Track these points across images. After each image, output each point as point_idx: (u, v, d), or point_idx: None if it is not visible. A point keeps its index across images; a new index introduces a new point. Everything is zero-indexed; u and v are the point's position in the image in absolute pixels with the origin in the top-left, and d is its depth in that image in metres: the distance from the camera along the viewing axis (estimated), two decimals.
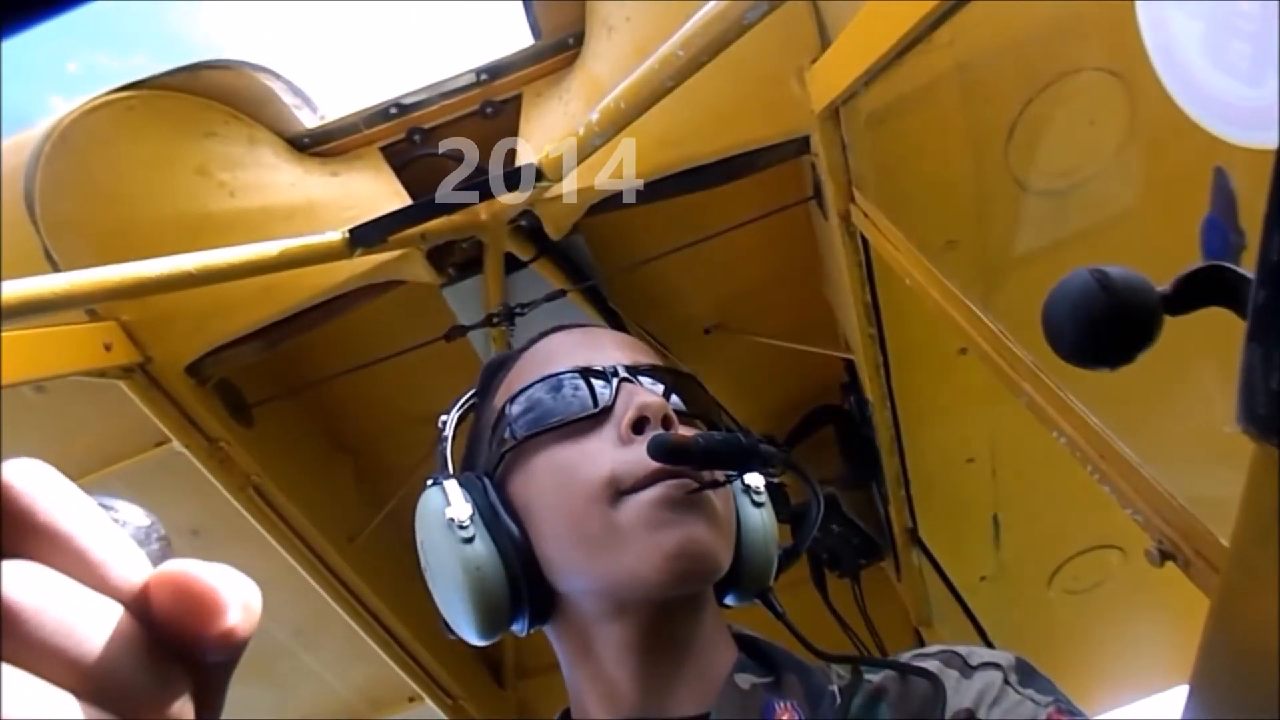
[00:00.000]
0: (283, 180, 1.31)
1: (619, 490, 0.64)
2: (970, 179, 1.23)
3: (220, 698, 0.29)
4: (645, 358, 0.75)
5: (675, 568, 0.63)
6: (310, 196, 1.32)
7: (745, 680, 0.68)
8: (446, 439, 0.75)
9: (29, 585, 0.23)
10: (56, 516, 0.25)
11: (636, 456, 0.64)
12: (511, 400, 0.72)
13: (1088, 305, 0.49)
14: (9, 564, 0.23)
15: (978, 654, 0.66)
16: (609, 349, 0.74)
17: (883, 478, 1.66)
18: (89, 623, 0.24)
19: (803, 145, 1.26)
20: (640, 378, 0.70)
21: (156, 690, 0.26)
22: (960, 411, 1.55)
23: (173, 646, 0.26)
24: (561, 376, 0.70)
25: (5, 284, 1.00)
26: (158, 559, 0.27)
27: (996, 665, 0.65)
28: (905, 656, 0.68)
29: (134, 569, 0.26)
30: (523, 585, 0.67)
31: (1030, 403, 1.07)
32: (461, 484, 0.70)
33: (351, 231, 1.16)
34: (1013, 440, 1.57)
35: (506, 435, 0.71)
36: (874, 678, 0.68)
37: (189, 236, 1.22)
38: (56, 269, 1.17)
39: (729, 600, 0.76)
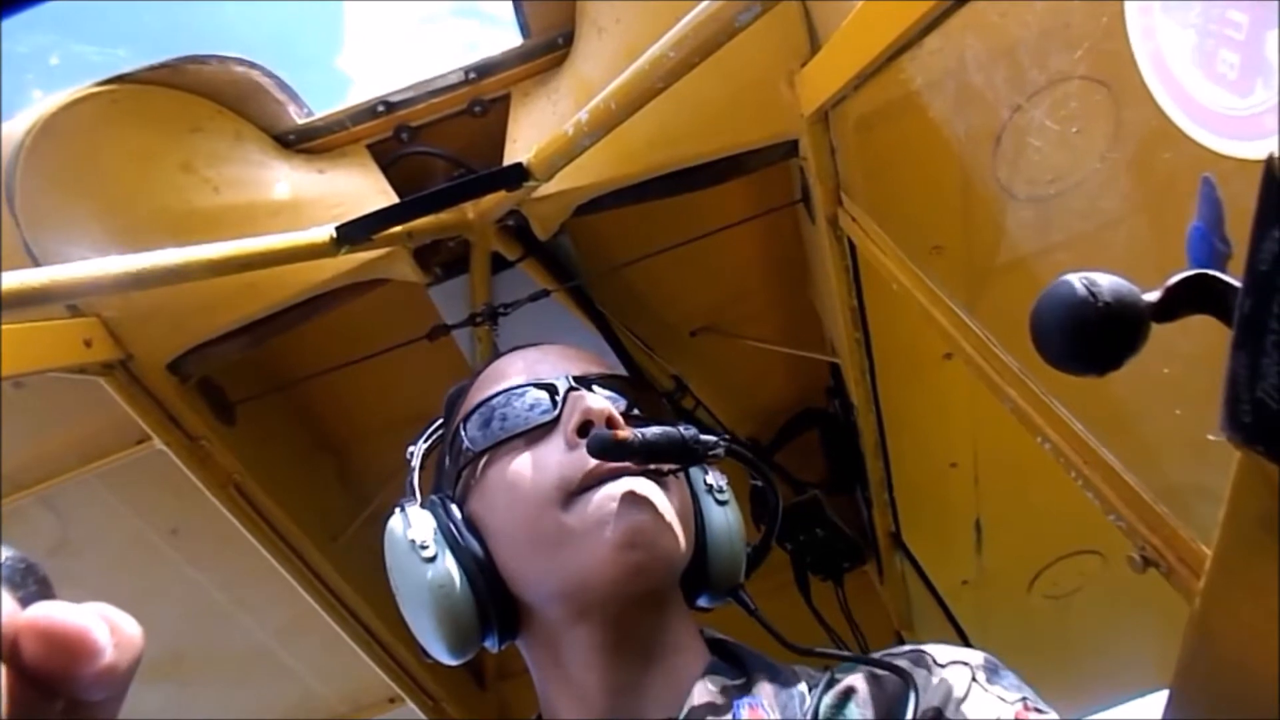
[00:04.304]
0: (268, 177, 1.30)
1: (568, 492, 0.66)
2: (957, 184, 1.24)
3: None
4: (596, 368, 0.77)
5: (626, 558, 0.64)
6: (296, 193, 1.30)
7: (716, 682, 0.69)
8: (414, 469, 0.76)
9: None
10: None
11: (582, 458, 0.67)
12: (466, 419, 0.74)
13: (1076, 311, 0.49)
14: None
15: (945, 652, 0.67)
16: (559, 362, 0.77)
17: (866, 481, 1.67)
18: None
19: (791, 149, 1.26)
20: (589, 386, 0.73)
21: None
22: (944, 416, 1.56)
23: (45, 690, 0.26)
24: (511, 391, 0.73)
25: None
26: (35, 599, 0.27)
27: (964, 663, 0.65)
28: (876, 657, 0.69)
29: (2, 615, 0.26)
30: (488, 600, 0.69)
31: (1014, 408, 1.07)
32: (425, 506, 0.72)
33: (338, 229, 1.15)
34: (995, 445, 1.58)
35: (464, 450, 0.73)
36: (844, 677, 0.68)
37: (173, 232, 1.21)
38: (35, 264, 1.15)
39: (702, 602, 0.76)
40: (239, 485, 1.42)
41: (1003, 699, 0.62)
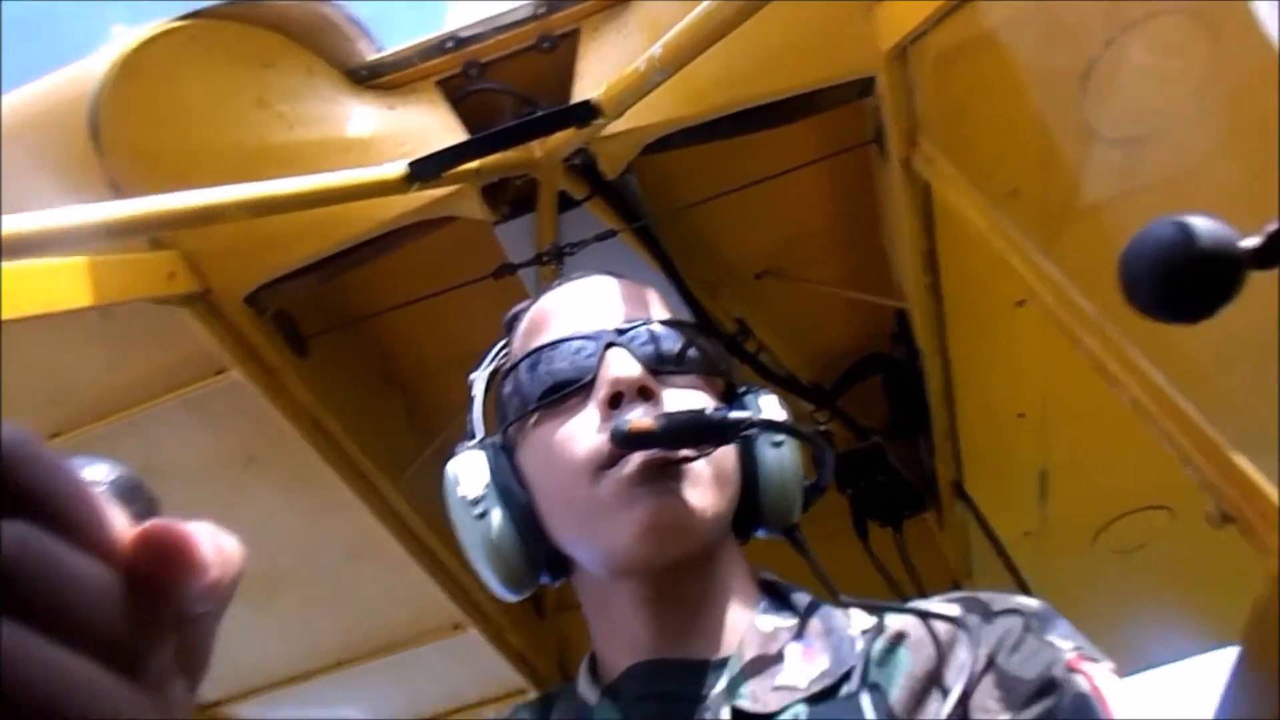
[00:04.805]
0: (340, 113, 1.31)
1: (597, 466, 0.67)
2: (1039, 124, 1.19)
3: (208, 646, 0.31)
4: (644, 312, 0.76)
5: (649, 542, 0.65)
6: (366, 130, 1.32)
7: (767, 623, 0.70)
8: (474, 399, 0.78)
9: (24, 543, 0.24)
10: (43, 480, 0.26)
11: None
12: (510, 371, 0.75)
13: (1170, 255, 0.47)
14: (4, 523, 0.24)
15: (1000, 600, 0.67)
16: (607, 306, 0.76)
17: (930, 429, 1.65)
18: (79, 578, 0.26)
19: (866, 86, 1.23)
20: (632, 338, 0.71)
21: (144, 641, 0.27)
22: (1013, 365, 1.53)
23: (156, 599, 0.27)
24: (553, 346, 0.73)
25: (71, 210, 1.02)
26: (143, 517, 0.29)
27: (1018, 611, 0.65)
28: (928, 604, 0.69)
29: (116, 529, 0.28)
30: (536, 548, 0.71)
31: (1090, 356, 1.05)
32: (481, 448, 0.74)
33: (410, 165, 1.16)
34: (1066, 395, 1.55)
35: (513, 402, 0.75)
36: (896, 622, 0.68)
37: (247, 167, 1.23)
38: (119, 197, 1.19)
39: (759, 534, 0.76)
40: (312, 416, 1.46)
41: (1056, 647, 0.61)
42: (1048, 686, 0.59)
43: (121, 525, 0.28)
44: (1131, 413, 1.04)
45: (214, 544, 0.28)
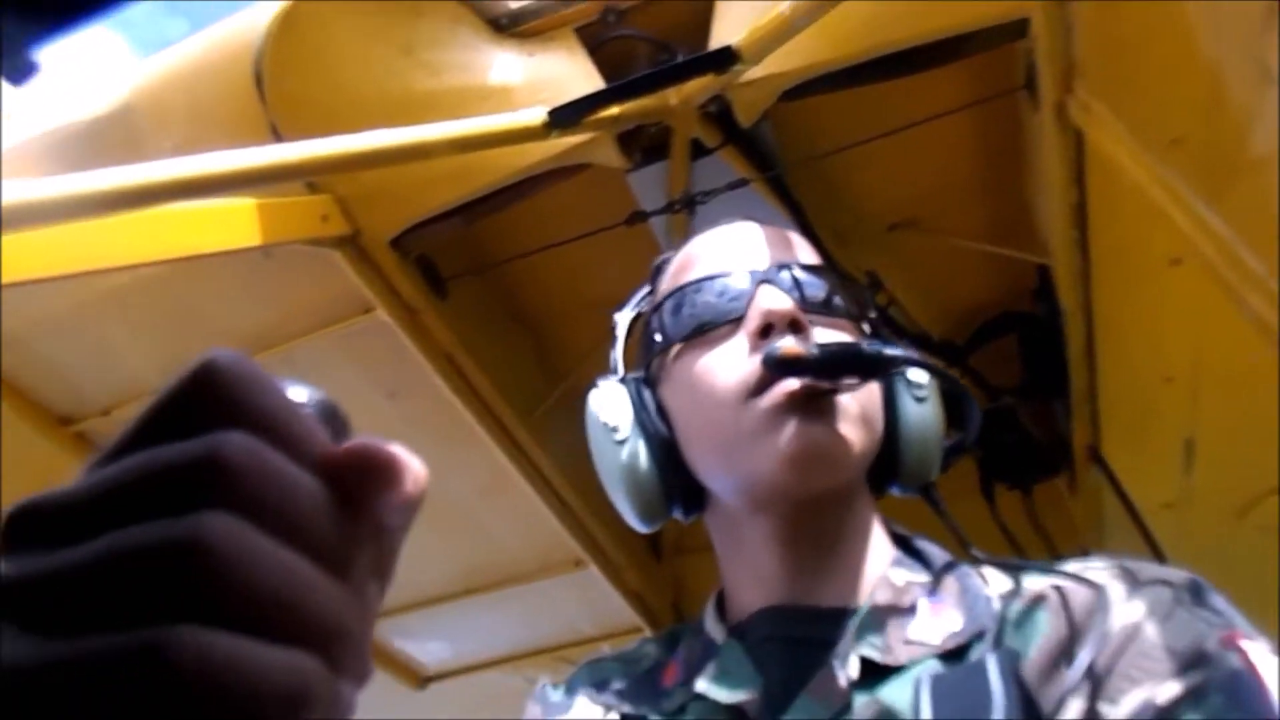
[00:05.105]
0: (481, 61, 1.35)
1: (746, 394, 0.67)
2: (1210, 66, 1.11)
3: (394, 560, 0.34)
4: (791, 256, 0.76)
5: (795, 469, 0.65)
6: (506, 78, 1.35)
7: (900, 576, 0.70)
8: (618, 338, 0.79)
9: (242, 450, 0.27)
10: (262, 398, 0.28)
11: (760, 364, 0.67)
12: (658, 306, 0.76)
13: None
14: (224, 434, 0.27)
15: (1148, 570, 0.64)
16: (756, 249, 0.76)
17: (1068, 391, 1.59)
18: (296, 485, 0.28)
19: (1019, 29, 1.17)
20: (780, 280, 0.71)
21: (349, 546, 0.29)
22: (1163, 326, 1.44)
23: (360, 510, 0.30)
24: (701, 283, 0.74)
25: (237, 153, 1.08)
26: (339, 437, 0.31)
27: (1168, 583, 0.62)
28: (1070, 568, 0.66)
29: (322, 444, 0.30)
30: (673, 481, 0.73)
31: (1255, 317, 0.99)
32: (623, 383, 0.76)
33: (550, 112, 1.18)
34: (1219, 360, 1.46)
35: (656, 339, 0.76)
36: (1034, 584, 0.66)
37: (394, 114, 1.27)
38: (279, 141, 1.26)
39: (893, 491, 0.76)
40: (449, 355, 1.53)
41: (1209, 622, 0.58)
42: (1198, 660, 0.56)
43: (326, 440, 0.30)
44: None
45: (410, 462, 0.31)
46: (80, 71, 1.43)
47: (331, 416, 0.34)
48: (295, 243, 1.35)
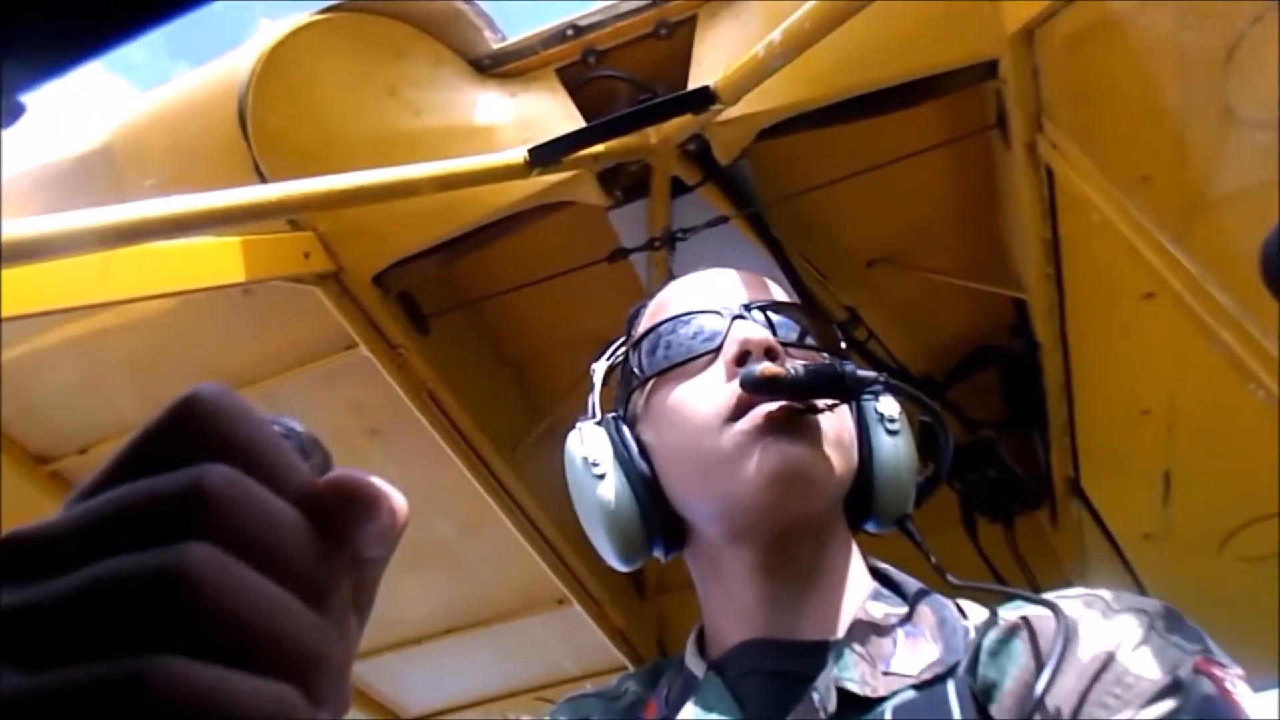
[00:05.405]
0: (465, 101, 1.37)
1: (724, 419, 0.68)
2: (1174, 108, 1.14)
3: (374, 592, 0.34)
4: (767, 295, 0.78)
5: (775, 488, 0.66)
6: (489, 117, 1.36)
7: (878, 609, 0.70)
8: (594, 386, 0.80)
9: (224, 482, 0.27)
10: (245, 431, 0.29)
11: (738, 388, 0.68)
12: (636, 344, 0.78)
13: None
14: (207, 466, 0.27)
15: (1122, 598, 0.64)
16: (730, 289, 0.78)
17: (1046, 424, 1.60)
18: (276, 516, 0.28)
19: (989, 70, 1.20)
20: (754, 314, 0.73)
21: (329, 577, 0.30)
22: (1139, 359, 1.46)
23: (339, 541, 0.30)
24: (679, 319, 0.75)
25: (221, 193, 1.09)
26: (320, 470, 0.32)
27: (1142, 610, 0.62)
28: (1045, 597, 0.66)
29: (303, 476, 0.30)
30: (653, 517, 0.73)
31: (1226, 350, 1.01)
32: (601, 424, 0.77)
33: (531, 151, 1.20)
34: (1194, 392, 1.48)
35: (634, 374, 0.77)
36: (1010, 614, 0.67)
37: (378, 153, 1.29)
38: (264, 181, 1.27)
39: (869, 527, 0.76)
40: (431, 392, 1.53)
41: (1181, 648, 0.58)
42: (1172, 687, 0.56)
43: (308, 472, 0.31)
44: (1267, 411, 0.99)
45: (390, 494, 0.31)
46: (79, 115, 1.45)
47: (313, 449, 0.34)
48: (278, 279, 1.35)
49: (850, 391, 0.68)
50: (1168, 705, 0.55)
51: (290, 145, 1.29)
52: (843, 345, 0.79)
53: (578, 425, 0.78)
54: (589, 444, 0.76)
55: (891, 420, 0.75)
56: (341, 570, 0.31)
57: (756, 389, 0.67)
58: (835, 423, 0.70)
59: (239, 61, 1.28)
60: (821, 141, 1.36)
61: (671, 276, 1.26)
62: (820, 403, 0.68)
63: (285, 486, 0.29)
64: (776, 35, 1.04)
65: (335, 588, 0.30)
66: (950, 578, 0.71)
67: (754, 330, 0.71)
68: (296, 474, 0.30)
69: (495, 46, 1.38)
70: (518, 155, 1.21)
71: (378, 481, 0.31)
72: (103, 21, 0.28)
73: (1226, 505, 1.72)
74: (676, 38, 1.33)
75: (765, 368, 0.67)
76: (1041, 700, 0.58)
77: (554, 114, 1.33)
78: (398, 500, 0.31)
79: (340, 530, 0.30)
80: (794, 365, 0.68)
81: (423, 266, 1.44)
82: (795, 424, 0.67)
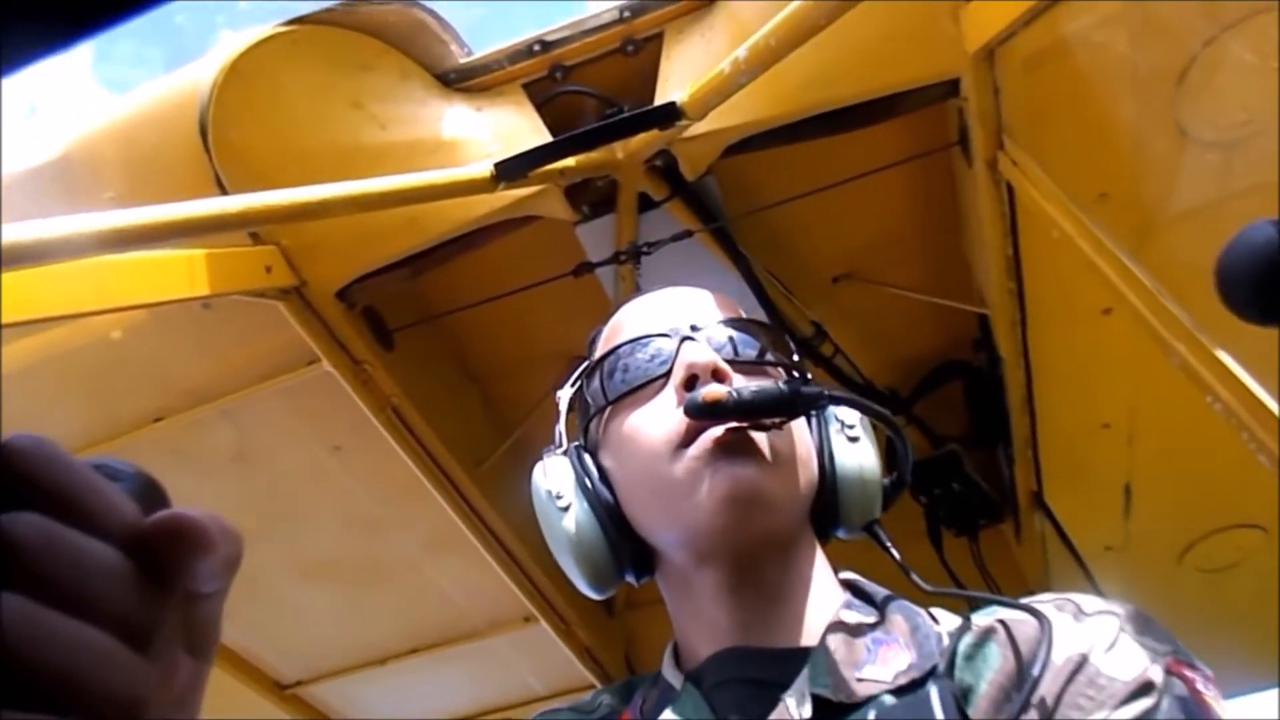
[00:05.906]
0: (430, 115, 1.36)
1: (675, 446, 0.69)
2: (1130, 127, 1.17)
3: (215, 628, 0.34)
4: (723, 312, 0.78)
5: (728, 514, 0.66)
6: (455, 131, 1.36)
7: (850, 618, 0.70)
8: (560, 414, 0.81)
9: (32, 530, 0.28)
10: (58, 477, 0.29)
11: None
12: (593, 370, 0.78)
13: (1269, 256, 0.47)
14: (14, 514, 0.27)
15: (1093, 603, 0.65)
16: (684, 308, 0.78)
17: (1010, 438, 1.62)
18: (90, 559, 0.29)
19: (951, 88, 1.22)
20: (705, 333, 0.74)
21: (152, 616, 0.30)
22: (1099, 374, 1.49)
23: (168, 579, 0.31)
24: (634, 342, 0.76)
25: (181, 205, 1.07)
26: (154, 510, 0.32)
27: (1113, 613, 0.63)
28: (1019, 601, 0.67)
29: (125, 516, 0.31)
30: (620, 544, 0.73)
31: (1183, 364, 1.02)
32: (565, 454, 0.77)
33: (497, 165, 1.19)
34: (1153, 406, 1.50)
35: (590, 404, 0.78)
36: (984, 620, 0.67)
37: (342, 167, 1.28)
38: (225, 194, 1.25)
39: (840, 534, 0.77)
40: (396, 408, 1.51)
41: (1153, 650, 0.60)
42: (1145, 688, 0.57)
43: (133, 513, 0.31)
44: (1224, 424, 1.01)
45: (219, 529, 0.32)
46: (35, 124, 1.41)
47: (146, 491, 0.34)
48: (239, 294, 1.33)
49: (795, 409, 0.68)
50: (1141, 706, 0.56)
51: (253, 158, 1.28)
52: (797, 359, 0.79)
53: (542, 457, 0.78)
54: (552, 476, 0.76)
55: (851, 426, 0.76)
56: (166, 609, 0.31)
57: (700, 414, 0.67)
58: (788, 438, 0.71)
59: (200, 73, 1.26)
60: (787, 158, 1.37)
61: (639, 291, 1.27)
62: (768, 420, 0.68)
63: (104, 529, 0.30)
64: (742, 52, 1.05)
65: (158, 628, 0.30)
66: (924, 585, 0.72)
67: (700, 353, 0.71)
68: (117, 515, 0.30)
69: (462, 60, 1.38)
70: (484, 169, 1.21)
71: (208, 517, 0.31)
72: (77, 11, 0.28)
73: (1186, 517, 1.75)
74: (643, 54, 1.34)
75: (707, 392, 0.67)
76: (1028, 700, 0.58)
77: (520, 128, 1.33)
78: (232, 534, 0.32)
79: (168, 568, 0.30)
80: (737, 388, 0.67)
81: (387, 281, 1.43)
82: (743, 446, 0.67)
